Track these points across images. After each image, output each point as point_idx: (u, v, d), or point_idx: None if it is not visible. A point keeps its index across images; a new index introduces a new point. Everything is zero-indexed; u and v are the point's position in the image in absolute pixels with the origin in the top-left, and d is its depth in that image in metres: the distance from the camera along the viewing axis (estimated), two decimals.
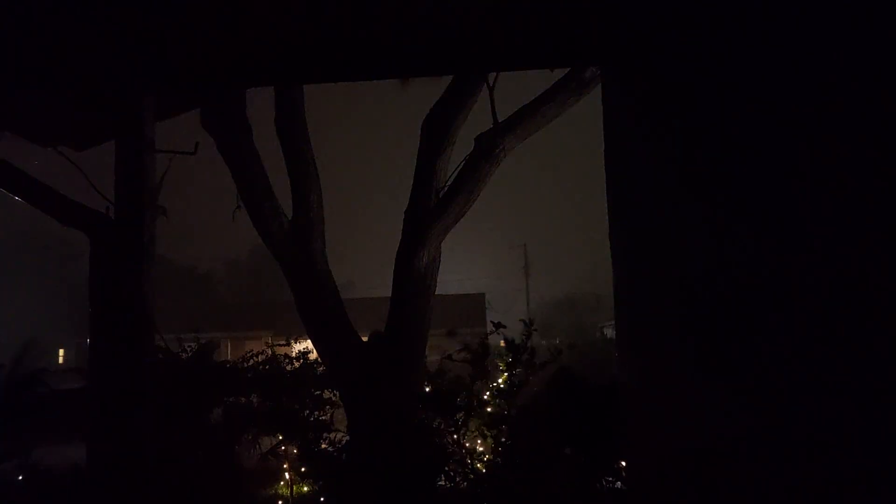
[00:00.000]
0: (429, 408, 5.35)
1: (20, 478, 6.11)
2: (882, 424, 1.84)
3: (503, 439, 5.12)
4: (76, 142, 5.30)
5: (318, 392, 6.51)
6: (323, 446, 6.03)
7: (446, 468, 5.15)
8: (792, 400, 2.14)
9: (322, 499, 5.67)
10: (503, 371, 5.43)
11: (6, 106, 4.57)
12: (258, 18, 3.11)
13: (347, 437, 6.11)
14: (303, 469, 6.00)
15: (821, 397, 2.01)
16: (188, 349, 6.79)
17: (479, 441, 5.40)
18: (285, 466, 6.33)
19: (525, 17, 3.07)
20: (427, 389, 5.52)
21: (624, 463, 4.67)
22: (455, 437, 5.23)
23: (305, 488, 6.21)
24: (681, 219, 2.85)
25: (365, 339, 6.65)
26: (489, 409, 5.28)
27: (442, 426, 5.29)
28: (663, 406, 2.95)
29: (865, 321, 1.84)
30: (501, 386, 5.37)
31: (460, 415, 5.21)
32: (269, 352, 6.90)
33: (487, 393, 5.43)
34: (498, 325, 5.61)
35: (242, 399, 6.34)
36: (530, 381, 5.29)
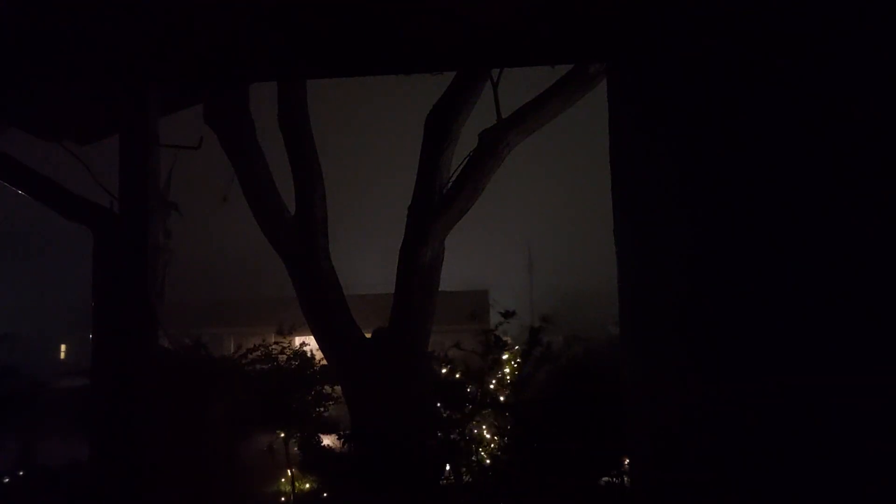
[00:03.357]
0: (438, 398, 5.31)
1: (21, 473, 6.10)
2: (873, 421, 1.84)
3: (508, 428, 5.11)
4: (80, 136, 5.30)
5: (320, 388, 6.50)
6: (325, 442, 6.02)
7: (452, 462, 5.13)
8: (787, 395, 2.13)
9: (324, 495, 5.67)
10: (510, 363, 5.40)
11: (10, 101, 4.57)
12: (263, 11, 3.10)
13: (350, 433, 6.10)
14: (305, 465, 6.00)
15: (814, 394, 2.01)
16: (188, 344, 6.77)
17: (485, 430, 5.37)
18: (284, 463, 6.32)
19: (534, 13, 3.06)
20: (443, 372, 5.47)
21: (627, 460, 4.66)
22: (462, 429, 5.21)
23: (307, 485, 6.21)
24: (683, 217, 2.83)
25: (368, 335, 6.65)
26: (501, 399, 5.26)
27: (450, 417, 5.26)
28: (664, 400, 2.94)
29: (853, 322, 1.85)
30: (507, 378, 5.35)
31: (469, 407, 5.19)
32: (270, 347, 6.88)
33: (494, 382, 5.41)
34: (507, 314, 5.47)
35: (244, 394, 6.33)
36: (537, 374, 5.26)
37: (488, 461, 5.17)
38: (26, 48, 3.61)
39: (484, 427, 5.33)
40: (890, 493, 1.90)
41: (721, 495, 2.56)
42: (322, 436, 6.08)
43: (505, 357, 5.38)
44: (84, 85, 4.15)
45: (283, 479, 6.47)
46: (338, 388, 6.57)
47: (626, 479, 4.77)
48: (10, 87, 4.16)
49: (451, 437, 5.18)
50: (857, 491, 1.98)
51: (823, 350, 1.98)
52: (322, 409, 6.40)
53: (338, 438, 5.95)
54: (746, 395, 2.44)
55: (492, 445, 5.29)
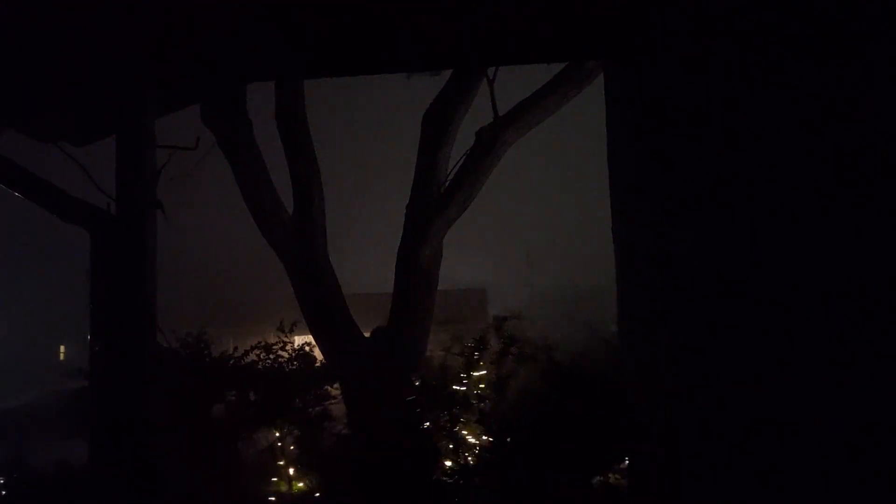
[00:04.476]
0: (421, 401, 5.34)
1: (13, 476, 6.05)
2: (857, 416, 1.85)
3: (494, 429, 5.12)
4: (77, 137, 5.27)
5: (319, 387, 6.50)
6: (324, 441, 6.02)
7: (438, 464, 5.14)
8: (788, 394, 2.14)
9: (322, 494, 5.67)
10: (492, 364, 5.41)
11: (6, 101, 4.55)
12: (262, 11, 3.09)
13: (349, 432, 6.10)
14: (303, 464, 5.99)
15: (815, 394, 2.02)
16: (188, 344, 6.75)
17: (468, 433, 5.38)
18: (283, 462, 6.32)
19: (533, 12, 3.05)
20: (417, 383, 5.50)
21: (627, 458, 4.66)
22: (448, 431, 5.21)
23: (305, 484, 6.21)
24: (682, 216, 2.84)
25: (367, 334, 6.65)
26: (483, 403, 5.27)
27: (437, 420, 5.27)
28: (665, 399, 2.94)
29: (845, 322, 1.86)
30: (490, 377, 5.36)
31: (455, 409, 5.20)
32: (274, 345, 6.86)
33: (482, 385, 5.41)
34: (501, 319, 5.51)
35: (242, 394, 6.32)
36: (520, 373, 5.26)
37: (472, 462, 5.17)
38: (24, 48, 3.60)
39: (467, 429, 5.34)
40: (890, 494, 1.90)
41: (721, 495, 2.56)
42: (321, 435, 6.08)
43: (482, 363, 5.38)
44: (81, 85, 4.14)
45: (282, 479, 6.47)
46: (337, 388, 6.57)
47: (622, 478, 4.77)
48: (6, 87, 4.14)
49: (438, 435, 5.19)
50: (856, 491, 1.99)
51: (826, 350, 1.98)
52: (322, 409, 6.39)
53: (337, 438, 5.95)
54: (747, 394, 2.44)
55: (477, 447, 5.29)
